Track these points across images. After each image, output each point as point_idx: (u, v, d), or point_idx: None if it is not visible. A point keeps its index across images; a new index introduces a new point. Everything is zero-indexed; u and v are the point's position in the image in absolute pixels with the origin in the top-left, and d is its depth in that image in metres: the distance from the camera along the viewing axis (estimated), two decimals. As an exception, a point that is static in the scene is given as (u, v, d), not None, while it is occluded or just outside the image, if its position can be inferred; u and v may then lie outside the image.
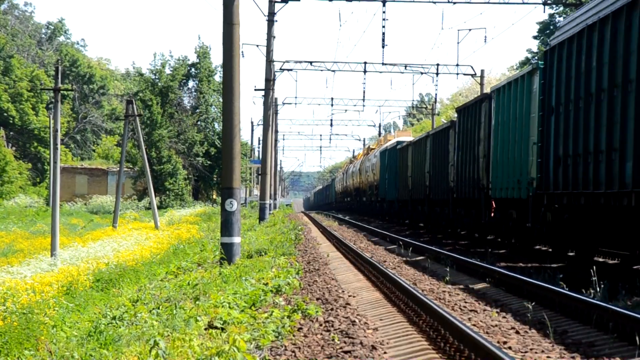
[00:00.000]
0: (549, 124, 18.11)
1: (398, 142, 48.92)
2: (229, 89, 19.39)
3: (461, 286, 15.00)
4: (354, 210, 73.76)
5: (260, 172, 48.91)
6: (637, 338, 8.86)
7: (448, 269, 17.45)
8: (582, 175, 15.99)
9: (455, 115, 30.57)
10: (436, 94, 55.02)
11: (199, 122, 70.92)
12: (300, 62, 48.81)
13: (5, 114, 78.33)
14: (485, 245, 25.37)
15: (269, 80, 44.83)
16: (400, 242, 25.65)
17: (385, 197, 51.12)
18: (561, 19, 52.76)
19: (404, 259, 21.27)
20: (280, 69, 48.90)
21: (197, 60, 70.78)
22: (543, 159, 18.57)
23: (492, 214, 24.73)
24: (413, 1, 36.64)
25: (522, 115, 21.63)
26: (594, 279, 12.69)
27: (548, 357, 8.68)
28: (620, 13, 14.41)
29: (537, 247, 22.05)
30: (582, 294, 11.60)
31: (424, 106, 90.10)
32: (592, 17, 15.81)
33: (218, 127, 70.34)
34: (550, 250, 20.00)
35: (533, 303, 11.83)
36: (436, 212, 34.76)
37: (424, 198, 36.77)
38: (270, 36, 43.52)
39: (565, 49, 17.17)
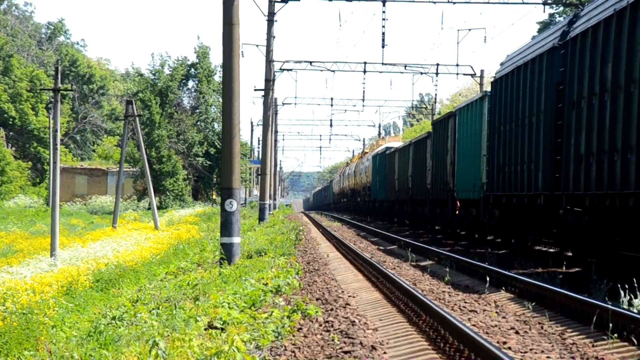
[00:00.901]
0: (493, 139, 22.80)
1: (387, 148, 52.71)
2: (228, 89, 19.38)
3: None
4: (350, 210, 78.39)
5: (260, 173, 48.92)
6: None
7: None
8: (513, 180, 20.64)
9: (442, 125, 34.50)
10: (436, 94, 54.96)
11: (198, 122, 70.89)
12: (300, 62, 48.82)
13: (5, 114, 78.29)
14: (453, 237, 30.38)
15: (269, 81, 44.83)
16: (401, 242, 27.03)
17: (377, 197, 55.48)
18: (561, 19, 52.80)
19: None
20: (280, 69, 48.91)
21: (197, 61, 70.75)
22: (489, 167, 23.21)
23: (457, 212, 29.54)
24: (413, 1, 36.66)
25: (476, 132, 26.50)
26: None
27: (548, 357, 8.68)
28: (534, 61, 19.30)
29: (499, 239, 25.80)
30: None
31: (424, 106, 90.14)
32: (519, 60, 20.77)
33: (218, 127, 70.29)
34: (499, 240, 24.81)
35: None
36: (417, 211, 39.38)
37: (407, 199, 41.44)
38: (270, 36, 43.51)
39: (502, 83, 21.95)
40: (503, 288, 14.16)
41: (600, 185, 14.88)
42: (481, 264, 16.83)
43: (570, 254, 19.35)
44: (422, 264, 19.80)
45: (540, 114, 18.69)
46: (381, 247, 26.21)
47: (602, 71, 14.99)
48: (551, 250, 22.15)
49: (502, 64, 23.24)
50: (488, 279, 14.89)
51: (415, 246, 23.62)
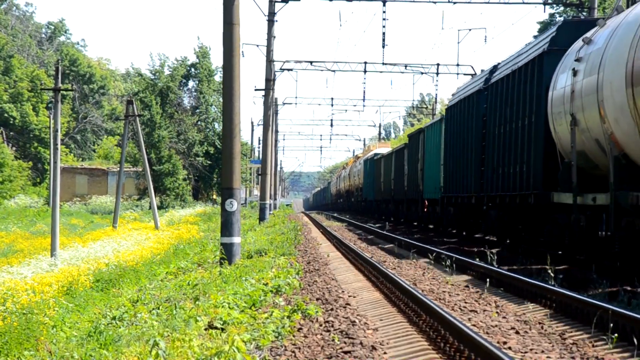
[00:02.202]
0: (446, 153, 29.90)
1: (375, 154, 59.88)
2: (229, 89, 19.36)
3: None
4: (345, 209, 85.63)
5: (260, 172, 48.90)
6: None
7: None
8: (459, 185, 27.19)
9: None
10: (436, 94, 55.04)
11: (199, 122, 70.85)
12: (301, 62, 48.82)
13: (5, 114, 78.24)
14: (426, 229, 37.59)
15: (269, 80, 44.82)
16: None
17: (367, 197, 62.99)
18: (561, 19, 52.74)
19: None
20: (281, 69, 48.92)
21: (197, 61, 70.69)
22: (445, 174, 30.14)
23: (425, 209, 36.78)
24: (413, 1, 36.66)
25: (437, 146, 33.23)
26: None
27: (548, 357, 8.68)
28: (470, 98, 26.17)
29: (454, 231, 31.61)
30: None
31: (424, 106, 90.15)
32: (462, 95, 27.82)
33: (218, 127, 70.26)
34: (455, 231, 31.43)
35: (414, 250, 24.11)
36: (398, 208, 46.85)
37: (390, 198, 48.74)
38: (270, 36, 43.51)
39: (452, 110, 29.21)
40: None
41: (503, 188, 21.51)
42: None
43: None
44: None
45: (473, 136, 25.46)
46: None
47: (504, 110, 21.79)
48: (493, 238, 27.24)
49: (453, 95, 31.04)
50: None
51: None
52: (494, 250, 21.13)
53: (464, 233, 29.11)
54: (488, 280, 14.89)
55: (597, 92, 14.90)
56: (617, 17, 15.71)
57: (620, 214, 14.23)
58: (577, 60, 16.34)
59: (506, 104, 21.63)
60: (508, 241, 23.26)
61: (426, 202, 36.23)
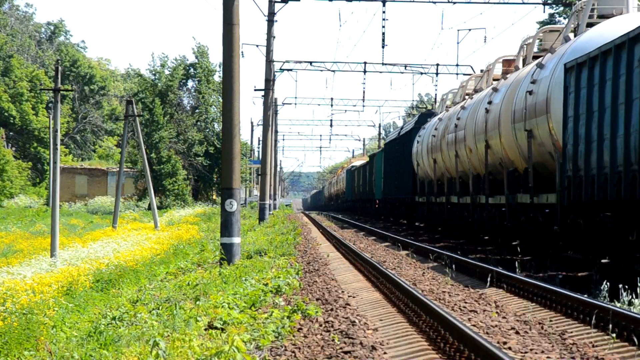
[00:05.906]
0: (384, 171, 48.66)
1: (352, 166, 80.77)
2: (228, 89, 19.37)
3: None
4: (335, 209, 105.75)
5: (260, 173, 48.90)
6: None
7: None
8: (389, 190, 46.50)
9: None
10: (436, 94, 54.90)
11: (198, 122, 70.77)
12: (300, 62, 48.84)
13: (5, 114, 78.20)
14: (378, 219, 55.84)
15: (269, 81, 44.82)
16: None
17: (347, 198, 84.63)
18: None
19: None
20: (280, 69, 48.92)
21: (196, 61, 70.63)
22: (384, 184, 48.80)
23: (377, 206, 55.68)
24: (413, 1, 36.69)
25: (380, 166, 51.00)
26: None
27: (548, 357, 8.68)
28: (392, 142, 48.47)
29: (403, 220, 45.84)
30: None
31: (424, 106, 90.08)
32: (391, 137, 51.00)
33: (218, 127, 70.16)
34: (391, 218, 49.47)
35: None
36: (364, 206, 66.64)
37: (359, 199, 69.80)
38: (270, 36, 43.51)
39: (387, 146, 50.89)
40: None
41: (402, 194, 40.74)
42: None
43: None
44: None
45: (392, 164, 44.80)
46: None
47: (401, 153, 42.17)
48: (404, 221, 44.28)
49: (387, 135, 58.24)
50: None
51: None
52: (404, 227, 40.56)
53: (393, 220, 48.10)
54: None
55: (421, 154, 34.92)
56: (436, 116, 34.65)
57: (432, 205, 33.78)
58: (419, 136, 36.89)
59: (402, 150, 42.15)
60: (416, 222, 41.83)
61: (377, 201, 55.15)
